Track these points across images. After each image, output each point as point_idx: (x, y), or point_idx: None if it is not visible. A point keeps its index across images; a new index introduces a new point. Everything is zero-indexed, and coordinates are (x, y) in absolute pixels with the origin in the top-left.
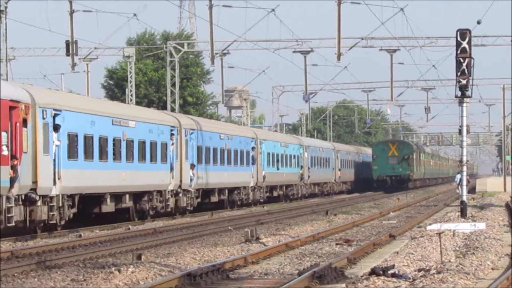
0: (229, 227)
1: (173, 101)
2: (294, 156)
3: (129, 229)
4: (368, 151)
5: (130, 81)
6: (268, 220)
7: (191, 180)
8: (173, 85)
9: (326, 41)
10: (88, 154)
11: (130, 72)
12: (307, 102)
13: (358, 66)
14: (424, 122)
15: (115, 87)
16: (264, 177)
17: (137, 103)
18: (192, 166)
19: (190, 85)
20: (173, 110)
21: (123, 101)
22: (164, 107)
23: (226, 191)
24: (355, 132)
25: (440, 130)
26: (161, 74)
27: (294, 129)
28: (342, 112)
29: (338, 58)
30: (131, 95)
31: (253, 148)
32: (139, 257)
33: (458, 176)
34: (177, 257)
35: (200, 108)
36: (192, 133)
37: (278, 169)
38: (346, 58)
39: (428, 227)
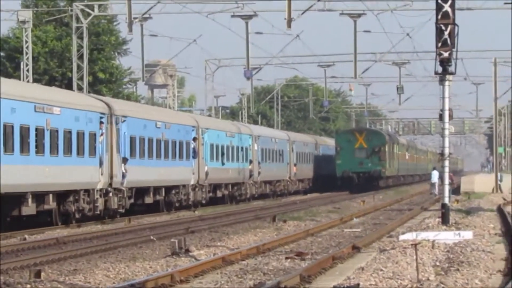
0: (152, 237)
1: (80, 78)
2: (242, 148)
3: (25, 239)
4: (330, 142)
5: (26, 53)
6: (201, 228)
7: (123, 177)
8: (80, 57)
9: (273, 3)
10: (8, 147)
11: (26, 42)
12: (249, 79)
13: (314, 35)
14: (395, 105)
15: (7, 60)
16: (206, 174)
17: (35, 81)
18: (125, 161)
19: (102, 58)
20: (80, 89)
21: (17, 78)
22: (69, 86)
23: (163, 190)
24: (310, 118)
25: (416, 115)
26: (65, 44)
27: (232, 114)
28: (293, 92)
29: (289, 25)
30: (28, 71)
31: (194, 139)
32: (38, 274)
33: (435, 173)
34: (85, 275)
35: (114, 87)
36: (124, 120)
37: (223, 164)
38: (298, 24)
39: (401, 237)
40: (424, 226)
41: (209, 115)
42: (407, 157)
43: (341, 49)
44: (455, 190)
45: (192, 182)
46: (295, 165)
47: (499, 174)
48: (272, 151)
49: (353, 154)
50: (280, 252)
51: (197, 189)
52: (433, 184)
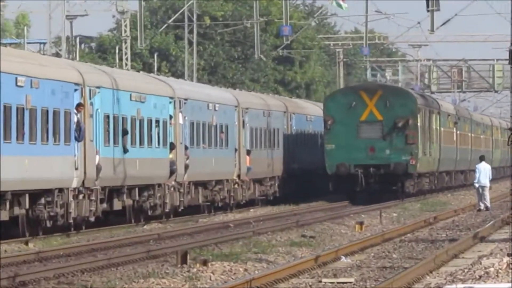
0: None
1: None
2: (158, 122)
3: None
4: (312, 109)
5: None
6: (40, 276)
7: None
8: None
9: None
10: None
11: None
12: None
13: None
14: (424, 35)
15: None
16: (98, 170)
17: None
18: None
19: None
20: None
21: None
22: None
23: (27, 198)
24: (254, 59)
25: (465, 55)
26: None
27: (101, 51)
28: (221, 9)
29: None
30: None
31: (78, 107)
32: None
33: (482, 167)
34: None
35: None
36: None
37: (126, 151)
38: None
39: None
40: (481, 273)
41: (56, 54)
42: (455, 138)
43: None
44: None
45: (74, 184)
46: (248, 152)
47: None
48: (208, 126)
49: (357, 133)
50: None
51: (82, 196)
52: (478, 190)
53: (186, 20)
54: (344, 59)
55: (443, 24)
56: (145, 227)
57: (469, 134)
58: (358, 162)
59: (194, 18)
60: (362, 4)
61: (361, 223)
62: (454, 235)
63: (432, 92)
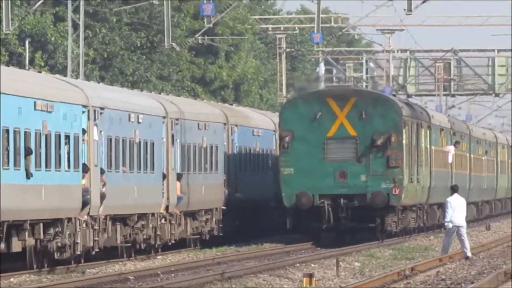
0: None
1: None
2: (67, 136)
3: None
4: (263, 120)
5: None
6: None
7: None
8: None
9: None
10: None
11: None
12: None
13: None
14: (398, 16)
15: None
16: None
17: None
18: None
19: None
20: None
21: None
22: None
23: None
24: (162, 48)
25: (453, 43)
26: None
27: None
28: None
29: None
30: None
31: None
32: None
33: (454, 200)
34: None
35: None
36: None
37: (29, 176)
38: None
39: None
40: None
41: None
42: (450, 160)
43: None
44: None
45: None
46: (179, 177)
47: None
48: (130, 144)
49: (323, 153)
50: None
51: None
52: (449, 232)
53: None
54: (288, 49)
55: (424, 1)
56: (11, 279)
57: (467, 154)
58: (324, 191)
59: None
60: None
61: (310, 276)
62: None
63: (409, 96)
